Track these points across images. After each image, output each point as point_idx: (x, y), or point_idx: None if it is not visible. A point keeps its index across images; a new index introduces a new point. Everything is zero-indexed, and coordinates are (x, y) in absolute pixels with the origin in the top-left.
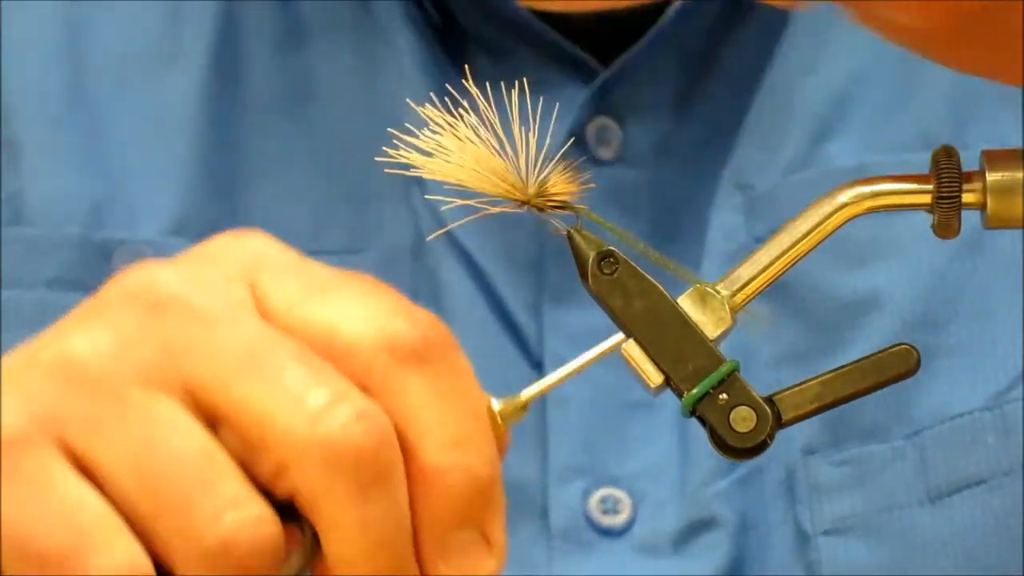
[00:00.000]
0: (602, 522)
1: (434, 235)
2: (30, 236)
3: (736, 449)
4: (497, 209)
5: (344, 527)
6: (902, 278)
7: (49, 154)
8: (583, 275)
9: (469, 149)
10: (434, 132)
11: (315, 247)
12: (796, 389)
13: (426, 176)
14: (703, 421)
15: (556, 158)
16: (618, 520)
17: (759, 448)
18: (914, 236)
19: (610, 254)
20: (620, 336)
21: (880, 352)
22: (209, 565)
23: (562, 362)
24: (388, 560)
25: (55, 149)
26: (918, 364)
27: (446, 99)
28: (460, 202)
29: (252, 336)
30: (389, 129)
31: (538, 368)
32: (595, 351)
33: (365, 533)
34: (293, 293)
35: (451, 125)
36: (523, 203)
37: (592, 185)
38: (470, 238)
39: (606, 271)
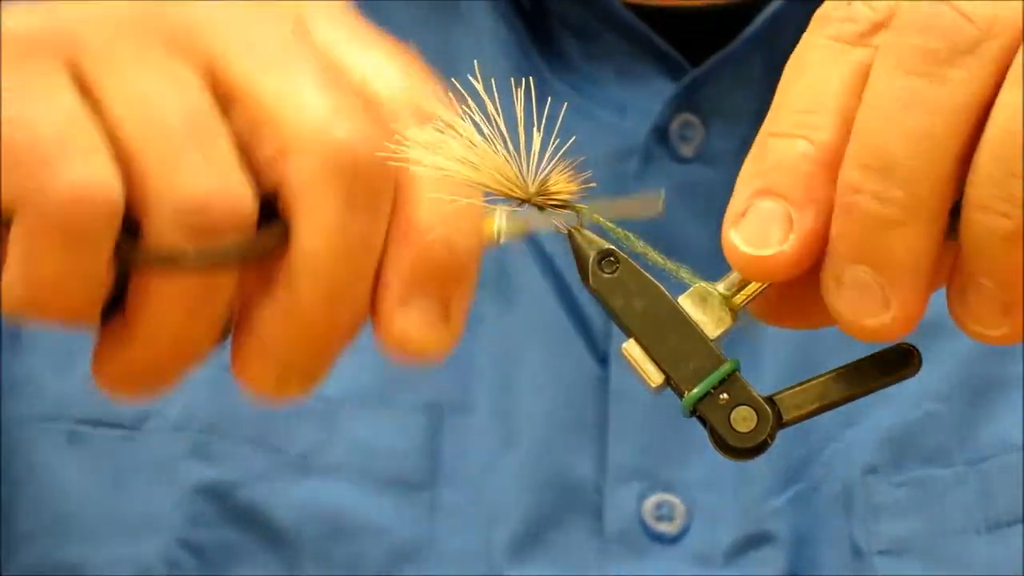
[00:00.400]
0: (656, 528)
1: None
2: None
3: (737, 449)
4: (497, 205)
5: (322, 224)
6: None
7: None
8: (583, 274)
9: (475, 144)
10: (438, 127)
11: None
12: (797, 389)
13: (427, 172)
14: (704, 421)
15: (557, 157)
16: (672, 527)
17: (760, 448)
18: None
19: (611, 253)
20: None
21: (881, 352)
22: (178, 221)
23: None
24: (347, 274)
25: None
26: (919, 364)
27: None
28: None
29: (289, 39)
30: (391, 123)
31: (603, 363)
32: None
33: (339, 236)
34: (338, 36)
35: (455, 121)
36: (523, 201)
37: (593, 184)
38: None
39: (607, 271)
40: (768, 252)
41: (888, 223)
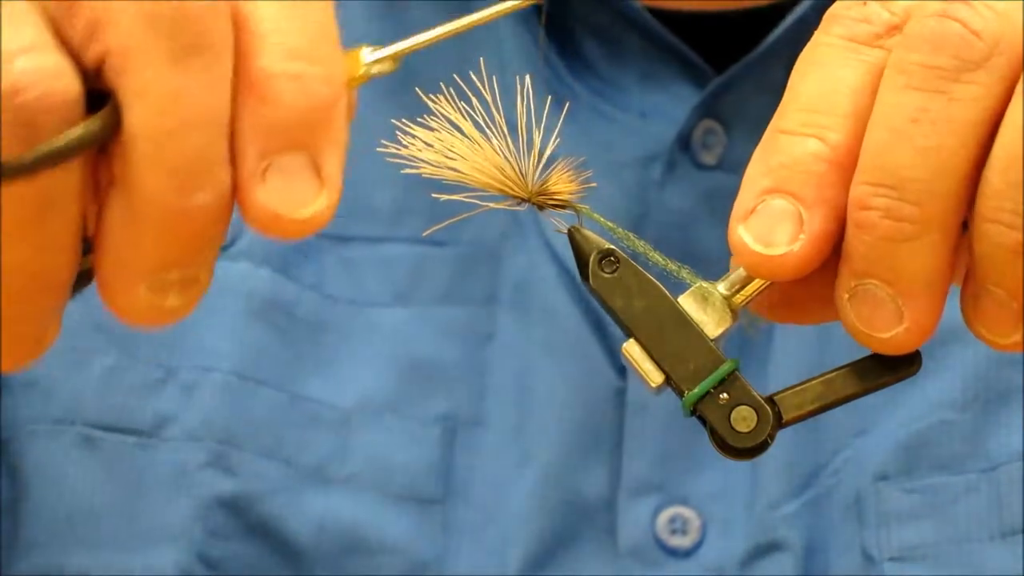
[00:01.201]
0: (670, 542)
1: (429, 231)
2: None
3: (736, 449)
4: (498, 206)
5: (152, 93)
6: None
7: None
8: (584, 274)
9: (472, 145)
10: (440, 127)
11: (395, 232)
12: (797, 389)
13: (428, 172)
14: (703, 421)
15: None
16: (686, 541)
17: (760, 448)
18: None
19: (611, 253)
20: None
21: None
22: None
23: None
24: (193, 148)
25: None
26: (919, 364)
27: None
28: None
29: None
30: (392, 121)
31: (622, 373)
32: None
33: (174, 104)
34: None
35: (456, 120)
36: (523, 200)
37: (594, 184)
38: (560, 238)
39: (607, 270)
40: (778, 252)
41: (900, 239)
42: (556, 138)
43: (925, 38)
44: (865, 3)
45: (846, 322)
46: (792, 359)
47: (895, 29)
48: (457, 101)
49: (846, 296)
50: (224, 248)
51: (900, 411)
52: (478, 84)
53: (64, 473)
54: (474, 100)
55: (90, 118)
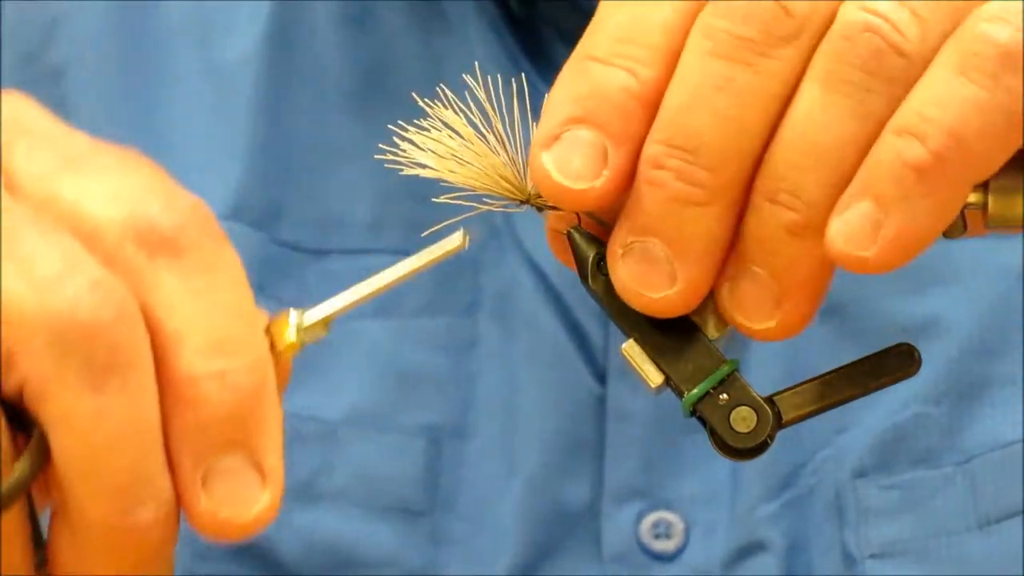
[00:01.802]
0: (654, 547)
1: (429, 232)
2: None
3: (736, 449)
4: (496, 208)
5: (74, 417)
6: (960, 305)
7: (103, 124)
8: (583, 275)
9: (471, 146)
10: (435, 130)
11: (373, 243)
12: (797, 389)
13: (425, 175)
14: (703, 421)
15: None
16: (670, 545)
17: (760, 448)
18: (974, 263)
19: None
20: (452, 241)
21: (881, 352)
22: None
23: (625, 374)
24: (126, 466)
25: (109, 119)
26: (919, 364)
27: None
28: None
29: None
30: (390, 126)
31: (602, 381)
32: (421, 257)
33: (98, 427)
34: (45, 164)
35: (452, 123)
36: (522, 202)
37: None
38: (538, 246)
39: (606, 271)
40: (582, 186)
41: (689, 202)
42: None
43: (735, 7)
44: None
45: (615, 276)
46: (767, 367)
47: None
48: (452, 104)
49: (620, 251)
50: None
51: (876, 407)
52: (474, 86)
53: None
54: (470, 102)
55: (25, 454)
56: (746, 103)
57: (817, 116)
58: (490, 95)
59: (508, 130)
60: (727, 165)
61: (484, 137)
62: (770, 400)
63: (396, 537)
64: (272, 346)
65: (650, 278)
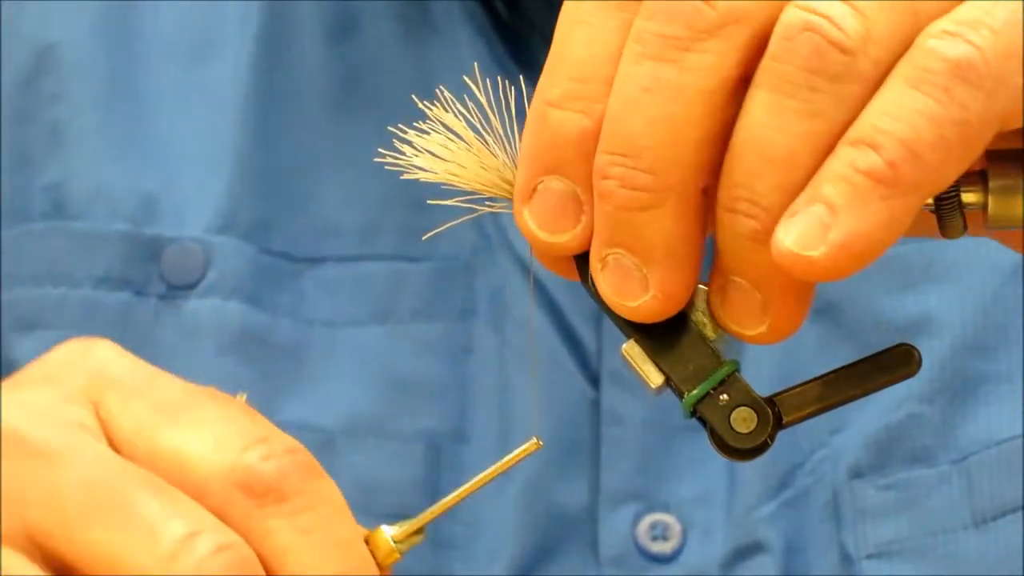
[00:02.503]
0: (651, 549)
1: (428, 235)
2: (79, 231)
3: (737, 450)
4: (497, 208)
5: None
6: (954, 302)
7: (96, 141)
8: (583, 275)
9: (469, 148)
10: (433, 131)
11: (368, 250)
12: (798, 390)
13: (423, 178)
14: (703, 422)
15: None
16: (667, 547)
17: (760, 449)
18: (967, 260)
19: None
20: (530, 443)
21: (881, 352)
22: None
23: (619, 378)
24: None
25: (102, 136)
26: (919, 364)
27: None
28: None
29: (94, 470)
30: (389, 128)
31: (595, 384)
32: (504, 462)
33: None
34: (141, 416)
35: (449, 124)
36: None
37: None
38: (529, 249)
39: None
40: (564, 238)
41: (636, 207)
42: None
43: (660, 7)
44: None
45: (601, 291)
46: (761, 366)
47: None
48: (450, 107)
49: (599, 267)
50: (191, 286)
51: (870, 407)
52: (471, 87)
53: None
54: (466, 105)
55: None
56: (674, 100)
57: (765, 119)
58: (487, 97)
59: (506, 132)
60: (669, 165)
61: (483, 139)
62: (770, 400)
63: None
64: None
65: (625, 287)
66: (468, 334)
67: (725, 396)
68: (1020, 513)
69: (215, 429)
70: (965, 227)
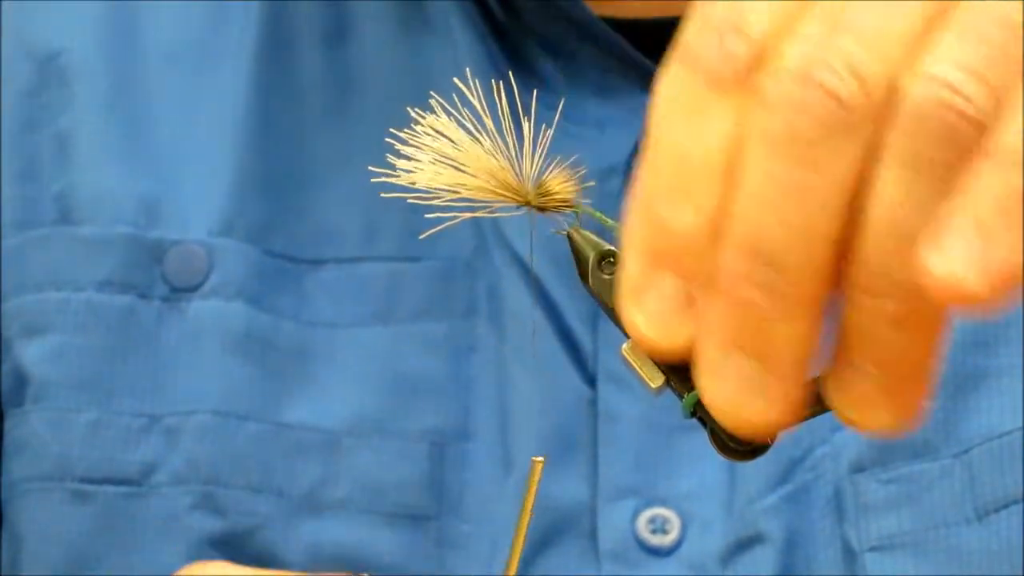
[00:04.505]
0: (651, 542)
1: (426, 234)
2: (82, 236)
3: (737, 450)
4: (496, 214)
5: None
6: None
7: (99, 147)
8: (583, 275)
9: (467, 152)
10: (432, 137)
11: (368, 251)
12: None
13: (424, 183)
14: (704, 422)
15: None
16: (667, 540)
17: (760, 449)
18: None
19: (610, 254)
20: (537, 464)
21: None
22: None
23: (615, 377)
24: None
25: (105, 142)
26: None
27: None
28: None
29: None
30: (388, 136)
31: (592, 384)
32: (530, 494)
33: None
34: None
35: (449, 129)
36: (523, 204)
37: (592, 183)
38: (527, 249)
39: (607, 271)
40: (679, 341)
41: (771, 313)
42: (544, 141)
43: (786, 101)
44: (721, 37)
45: (710, 400)
46: None
47: (760, 61)
48: (447, 111)
49: (710, 369)
50: (194, 288)
51: None
52: (466, 92)
53: (57, 528)
54: (460, 108)
55: None
56: (815, 205)
57: (903, 199)
58: (482, 101)
59: (503, 134)
60: (803, 271)
61: (480, 142)
62: None
63: (403, 543)
64: None
65: (745, 397)
66: (470, 333)
67: None
68: (1021, 505)
69: None
70: None
